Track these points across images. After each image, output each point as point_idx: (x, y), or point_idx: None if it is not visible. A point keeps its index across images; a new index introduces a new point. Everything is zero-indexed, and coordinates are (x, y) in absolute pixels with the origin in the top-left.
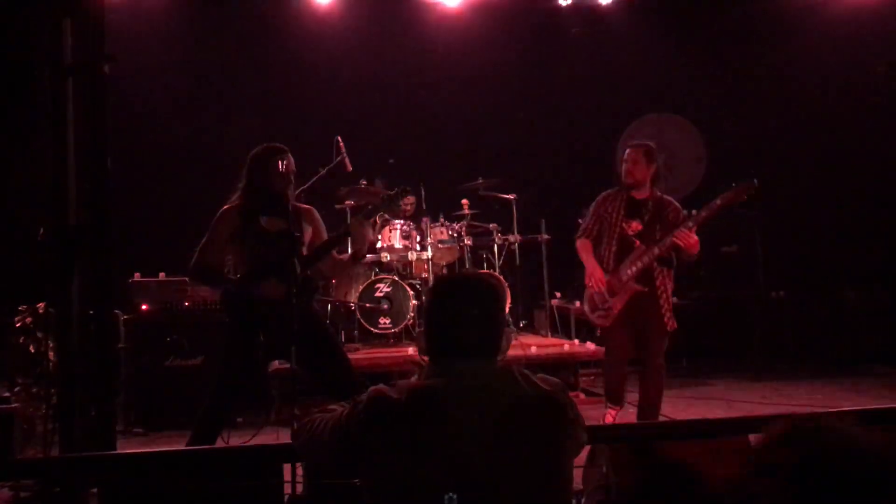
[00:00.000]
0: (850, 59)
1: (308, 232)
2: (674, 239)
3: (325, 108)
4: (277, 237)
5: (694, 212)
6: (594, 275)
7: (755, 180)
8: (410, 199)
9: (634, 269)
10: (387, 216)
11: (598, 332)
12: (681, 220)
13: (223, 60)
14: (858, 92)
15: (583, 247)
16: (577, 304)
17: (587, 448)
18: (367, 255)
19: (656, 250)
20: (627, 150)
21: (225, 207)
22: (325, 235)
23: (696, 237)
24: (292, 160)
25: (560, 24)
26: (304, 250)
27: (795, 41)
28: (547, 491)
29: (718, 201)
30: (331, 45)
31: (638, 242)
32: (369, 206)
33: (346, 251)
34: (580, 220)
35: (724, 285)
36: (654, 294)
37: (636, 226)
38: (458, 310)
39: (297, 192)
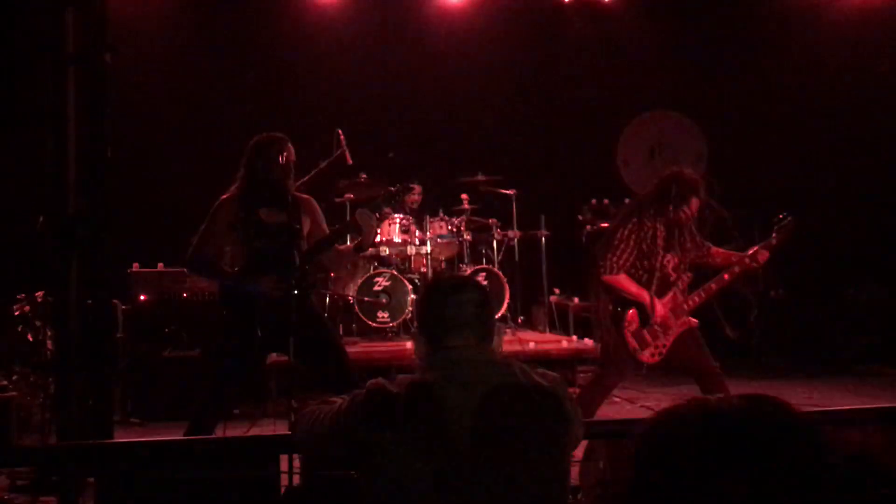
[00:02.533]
0: (852, 57)
1: (307, 223)
2: (734, 278)
3: (325, 101)
4: (277, 230)
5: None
6: (657, 309)
7: (791, 218)
8: (417, 188)
9: (692, 303)
10: (387, 210)
11: (605, 358)
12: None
13: (223, 51)
14: (860, 89)
15: (626, 281)
16: (576, 300)
17: (584, 443)
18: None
19: (714, 286)
20: (698, 184)
21: (223, 197)
22: (324, 226)
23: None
24: (292, 150)
25: (562, 20)
26: (304, 243)
27: (797, 38)
28: (545, 485)
29: (774, 243)
30: (332, 38)
31: (675, 274)
32: (374, 200)
33: (346, 242)
34: (580, 217)
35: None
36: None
37: (673, 259)
38: (450, 303)
39: (296, 184)
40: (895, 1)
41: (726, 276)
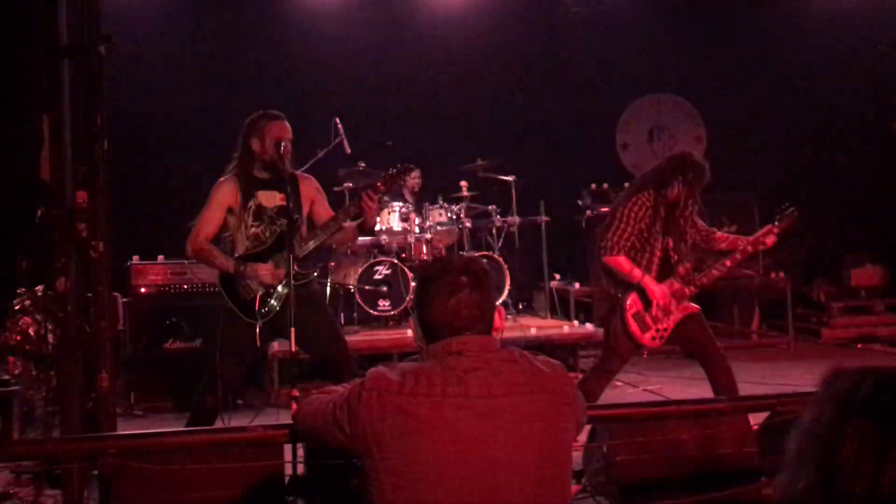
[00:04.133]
0: (850, 38)
1: (307, 205)
2: (736, 264)
3: (323, 90)
4: (276, 214)
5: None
6: (657, 292)
7: (794, 208)
8: (415, 172)
9: (694, 288)
10: (386, 198)
11: (607, 343)
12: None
13: (222, 41)
14: (859, 71)
15: (625, 262)
16: (577, 285)
17: (587, 427)
18: (366, 238)
19: (715, 272)
20: (703, 168)
21: (222, 179)
22: (326, 206)
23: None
24: (288, 127)
25: (559, 5)
26: (304, 226)
27: (794, 19)
28: (547, 470)
29: (776, 231)
30: (330, 27)
31: (676, 257)
32: (375, 184)
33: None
34: (580, 202)
35: None
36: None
37: (674, 242)
38: (449, 287)
39: (296, 171)
40: None
41: (728, 263)
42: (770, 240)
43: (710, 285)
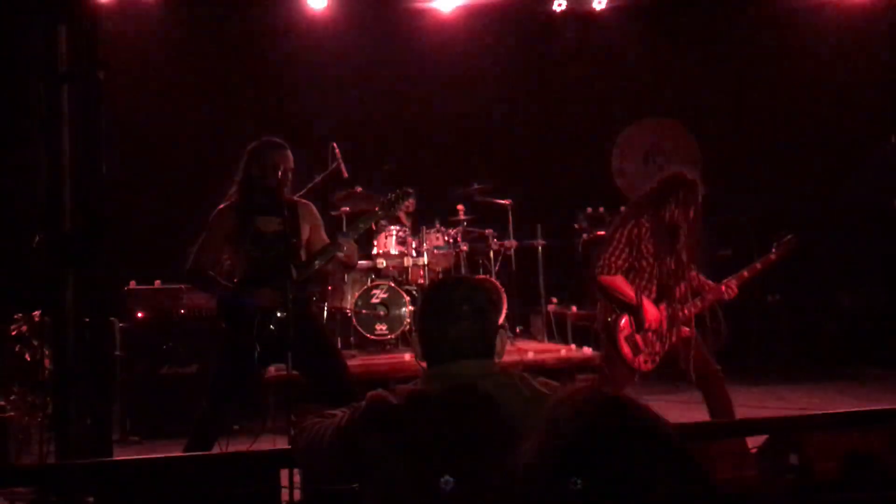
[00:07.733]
0: (844, 61)
1: (306, 230)
2: (728, 293)
3: (320, 115)
4: (274, 240)
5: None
6: (652, 314)
7: (792, 236)
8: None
9: (689, 312)
10: (383, 222)
11: (603, 362)
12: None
13: (218, 66)
14: (853, 94)
15: (622, 283)
16: (574, 308)
17: None
18: (363, 262)
19: (710, 297)
20: (699, 188)
21: (221, 206)
22: (322, 233)
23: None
24: (290, 156)
25: (554, 30)
26: (302, 252)
27: (789, 43)
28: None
29: (773, 257)
30: (325, 51)
31: (672, 281)
32: (365, 216)
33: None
34: (576, 225)
35: None
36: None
37: (670, 263)
38: (450, 312)
39: (294, 197)
40: (889, 10)
41: (711, 297)
42: (732, 292)
43: (705, 309)
